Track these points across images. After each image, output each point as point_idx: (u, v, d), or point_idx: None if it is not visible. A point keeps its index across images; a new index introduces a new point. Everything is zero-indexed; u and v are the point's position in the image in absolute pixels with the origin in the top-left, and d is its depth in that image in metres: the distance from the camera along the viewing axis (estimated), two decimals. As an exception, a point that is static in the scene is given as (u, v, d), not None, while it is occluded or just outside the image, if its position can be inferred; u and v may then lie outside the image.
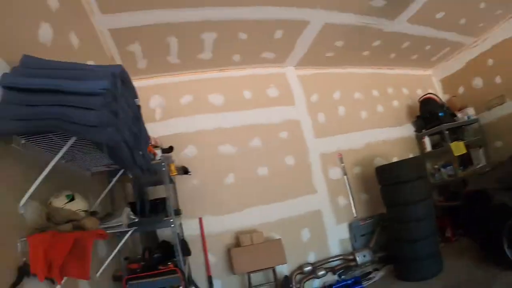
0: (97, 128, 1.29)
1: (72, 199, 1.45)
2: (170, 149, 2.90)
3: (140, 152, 1.82)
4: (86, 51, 2.50)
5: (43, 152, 1.52)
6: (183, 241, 3.06)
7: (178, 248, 2.45)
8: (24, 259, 1.30)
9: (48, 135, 1.39)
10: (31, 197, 1.38)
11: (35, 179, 1.43)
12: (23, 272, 1.28)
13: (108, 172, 2.28)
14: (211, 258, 3.50)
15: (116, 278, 2.26)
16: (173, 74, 3.87)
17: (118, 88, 1.40)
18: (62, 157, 1.74)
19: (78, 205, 1.45)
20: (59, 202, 1.41)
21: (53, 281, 1.41)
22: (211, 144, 3.81)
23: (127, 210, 1.87)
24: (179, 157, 3.54)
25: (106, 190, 2.28)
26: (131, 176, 2.22)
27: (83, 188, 1.93)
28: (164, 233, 3.18)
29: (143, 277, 2.25)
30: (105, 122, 1.30)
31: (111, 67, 1.52)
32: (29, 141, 1.42)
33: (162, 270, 2.32)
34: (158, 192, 3.18)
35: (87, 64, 2.05)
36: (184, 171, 3.35)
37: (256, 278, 3.46)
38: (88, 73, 1.42)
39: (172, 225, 2.47)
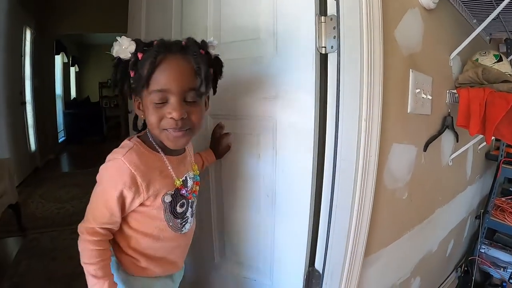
0: None
1: (500, 59, 1.30)
2: None
3: None
4: None
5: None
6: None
7: None
8: (449, 110, 1.37)
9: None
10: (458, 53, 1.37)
11: (459, 34, 1.39)
12: (446, 122, 1.35)
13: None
14: None
15: (490, 157, 2.12)
16: None
17: None
18: (476, 16, 1.59)
19: (506, 68, 1.29)
20: (488, 60, 1.30)
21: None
22: None
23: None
24: None
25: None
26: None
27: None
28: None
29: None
30: None
31: None
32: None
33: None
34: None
35: None
36: None
37: None
38: None
39: None
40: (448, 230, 1.70)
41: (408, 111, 1.06)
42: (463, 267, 2.03)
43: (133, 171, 0.69)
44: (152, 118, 0.69)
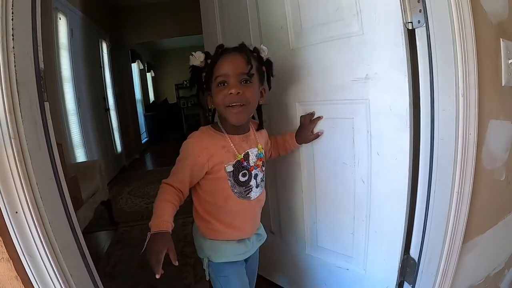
0: None
1: None
2: None
3: None
4: None
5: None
6: None
7: None
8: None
9: None
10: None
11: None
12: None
13: None
14: None
15: None
16: None
17: None
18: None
19: None
20: None
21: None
22: None
23: None
24: None
25: None
26: None
27: None
28: None
29: None
30: None
31: None
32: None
33: None
34: None
35: None
36: None
37: None
38: None
39: None
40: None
41: (503, 84, 0.99)
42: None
43: (199, 146, 0.89)
44: (217, 98, 0.89)
